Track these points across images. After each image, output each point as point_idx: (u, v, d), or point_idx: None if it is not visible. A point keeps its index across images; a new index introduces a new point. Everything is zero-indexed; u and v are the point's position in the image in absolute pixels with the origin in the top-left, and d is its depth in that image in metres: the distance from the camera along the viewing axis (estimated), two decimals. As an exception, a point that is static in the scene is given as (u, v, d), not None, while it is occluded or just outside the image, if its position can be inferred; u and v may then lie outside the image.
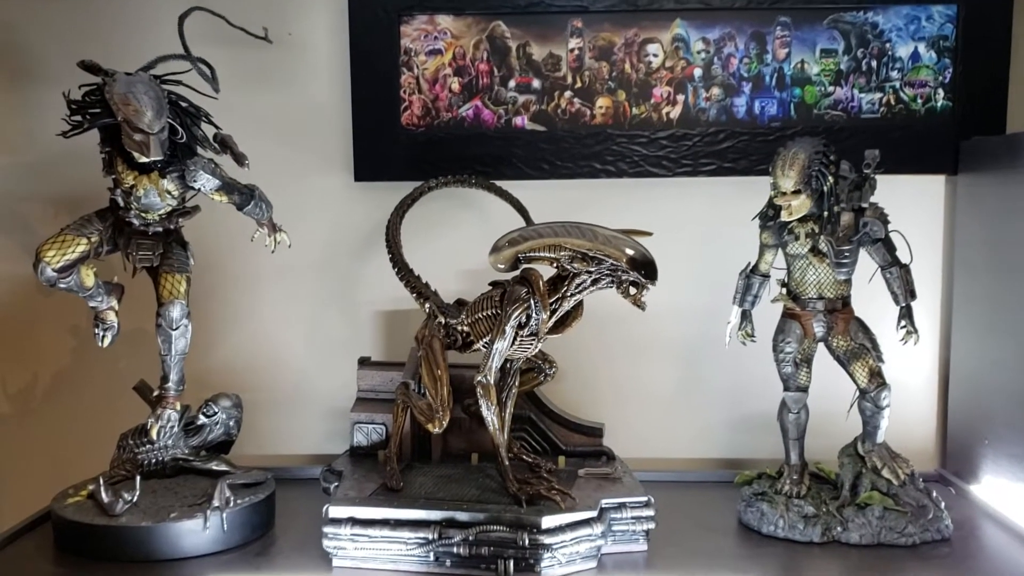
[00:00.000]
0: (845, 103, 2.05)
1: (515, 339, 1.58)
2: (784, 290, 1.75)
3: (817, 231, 1.67)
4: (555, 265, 1.57)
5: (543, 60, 2.06)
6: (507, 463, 1.62)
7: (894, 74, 2.05)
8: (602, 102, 2.07)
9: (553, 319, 1.58)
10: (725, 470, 2.07)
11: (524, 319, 1.57)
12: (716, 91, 2.06)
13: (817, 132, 1.98)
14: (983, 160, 1.92)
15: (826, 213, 1.64)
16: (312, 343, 2.17)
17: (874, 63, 2.04)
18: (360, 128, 2.07)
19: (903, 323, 1.68)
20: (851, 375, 1.71)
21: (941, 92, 2.01)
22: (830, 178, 1.62)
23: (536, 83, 2.07)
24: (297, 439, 2.17)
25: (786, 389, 1.77)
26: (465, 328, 1.67)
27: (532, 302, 1.56)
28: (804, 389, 1.75)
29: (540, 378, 1.78)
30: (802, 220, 1.68)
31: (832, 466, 1.80)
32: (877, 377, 1.69)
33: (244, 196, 1.68)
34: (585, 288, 1.55)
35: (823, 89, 2.05)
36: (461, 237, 2.08)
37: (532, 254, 1.56)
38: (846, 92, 2.05)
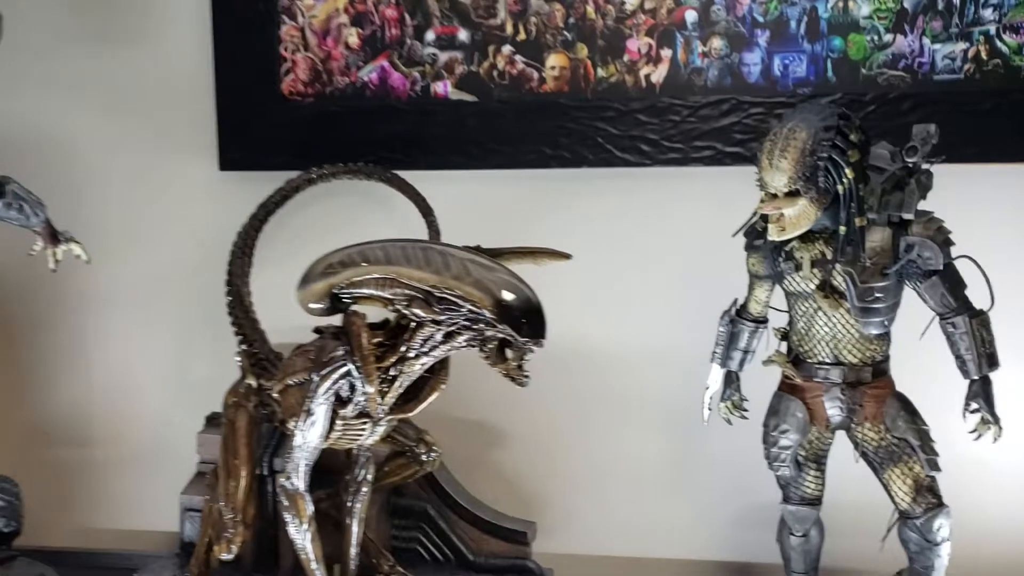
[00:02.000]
0: (910, 59, 1.40)
1: (333, 423, 1.00)
2: (781, 347, 1.11)
3: (830, 257, 1.02)
4: (391, 308, 0.98)
5: (473, 1, 1.47)
6: None
7: (987, 13, 1.37)
8: (555, 60, 1.47)
9: (393, 391, 0.99)
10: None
11: (342, 393, 0.98)
12: (718, 43, 1.43)
13: (860, 101, 1.32)
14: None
15: (843, 228, 1.00)
16: (176, 384, 1.65)
17: (956, -1, 1.37)
18: (226, 100, 1.54)
19: (974, 406, 1.03)
20: (885, 487, 1.07)
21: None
22: (847, 171, 0.97)
23: (463, 35, 1.48)
24: (155, 508, 1.63)
25: (785, 500, 1.13)
26: (276, 396, 1.10)
27: (351, 367, 0.97)
28: (814, 502, 1.12)
29: (413, 468, 1.19)
30: (805, 239, 1.04)
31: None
32: (927, 495, 1.05)
33: (-14, 193, 1.15)
34: (436, 346, 0.96)
35: (876, 39, 1.40)
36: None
37: (355, 291, 0.97)
38: (912, 42, 1.39)
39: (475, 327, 0.95)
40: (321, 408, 1.01)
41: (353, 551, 1.15)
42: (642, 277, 1.50)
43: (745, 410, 1.20)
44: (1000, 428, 1.04)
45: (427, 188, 1.46)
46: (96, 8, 1.56)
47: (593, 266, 1.50)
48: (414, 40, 1.51)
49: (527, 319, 0.93)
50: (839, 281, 1.05)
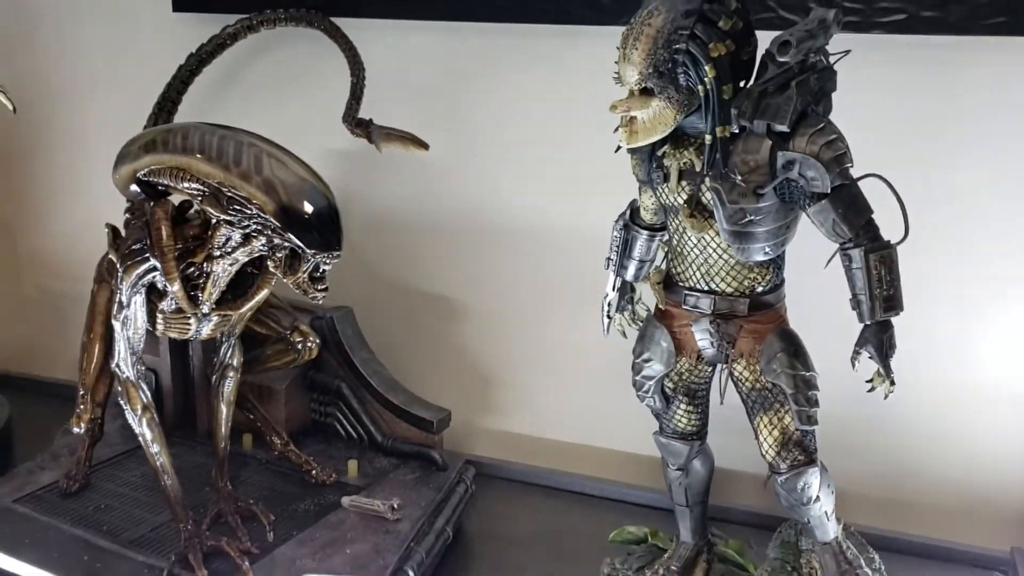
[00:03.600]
0: None
1: (153, 316, 0.96)
2: (663, 264, 0.96)
3: (699, 168, 0.86)
4: (195, 202, 0.90)
5: None
6: (175, 495, 1.04)
7: None
8: None
9: (209, 289, 0.93)
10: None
11: (156, 284, 0.93)
12: None
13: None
14: None
15: (707, 137, 0.82)
16: None
17: None
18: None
19: (864, 354, 0.86)
20: (755, 434, 0.93)
21: None
22: (708, 68, 0.79)
23: None
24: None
25: (660, 431, 1.01)
26: None
27: (154, 261, 0.91)
28: (690, 436, 0.99)
29: (291, 355, 1.15)
30: (678, 144, 0.87)
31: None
32: (793, 450, 0.90)
33: None
34: (236, 247, 0.89)
35: None
36: (324, 101, 1.38)
37: (158, 179, 0.90)
38: None
39: (265, 232, 0.86)
40: (134, 300, 0.97)
41: (222, 431, 1.13)
42: (606, 150, 1.34)
43: (644, 322, 1.06)
44: (892, 384, 0.87)
45: (374, 37, 1.35)
46: None
47: (549, 135, 1.35)
48: None
49: (318, 228, 0.83)
50: (708, 199, 0.87)
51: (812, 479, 0.91)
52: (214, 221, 0.90)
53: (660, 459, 1.04)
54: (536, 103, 1.34)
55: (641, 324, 1.04)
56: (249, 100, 1.49)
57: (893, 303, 0.85)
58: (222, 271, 0.94)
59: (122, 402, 1.04)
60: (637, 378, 0.98)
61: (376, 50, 1.35)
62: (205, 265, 0.94)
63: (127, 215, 1.18)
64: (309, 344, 1.15)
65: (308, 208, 0.84)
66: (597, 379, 1.36)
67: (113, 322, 1.00)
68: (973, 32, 1.13)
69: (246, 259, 0.93)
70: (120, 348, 1.00)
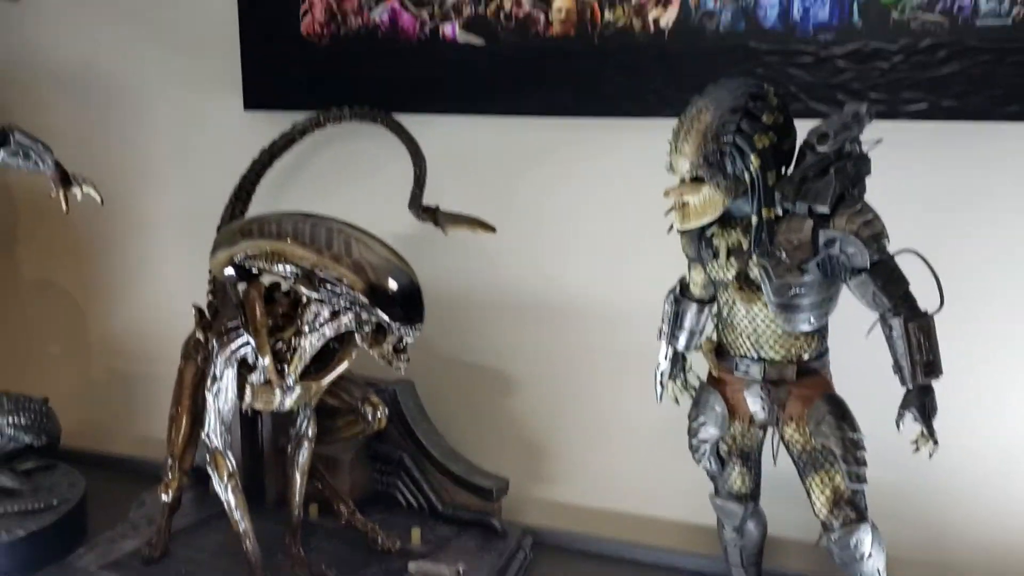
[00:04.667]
0: (948, 1, 1.21)
1: (242, 389, 1.04)
2: (713, 334, 1.04)
3: (746, 247, 0.94)
4: (288, 283, 1.00)
5: (480, -60, 1.41)
6: (256, 559, 1.11)
7: (1042, -53, 1.17)
8: (561, 3, 1.40)
9: (295, 362, 1.02)
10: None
11: (248, 359, 1.02)
12: (732, -17, 1.31)
13: (886, 51, 1.18)
14: None
15: (754, 219, 0.91)
16: None
17: (1004, -72, 1.18)
18: (249, 42, 1.57)
19: (908, 416, 0.93)
20: (807, 494, 0.99)
21: None
22: (753, 158, 0.88)
23: (471, -27, 1.43)
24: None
25: (715, 493, 1.08)
26: None
27: (246, 337, 1.00)
28: (744, 497, 1.06)
29: (360, 426, 1.22)
30: (725, 225, 0.96)
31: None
32: (845, 508, 0.96)
33: (-8, 140, 1.26)
34: (325, 323, 0.98)
35: (911, -23, 1.23)
36: (389, 190, 1.48)
37: (253, 263, 0.99)
38: (952, -19, 1.21)
39: (353, 308, 0.95)
40: (226, 373, 1.05)
41: (296, 500, 1.20)
42: (650, 232, 1.43)
43: (696, 390, 1.13)
44: (936, 444, 0.93)
45: (434, 132, 1.45)
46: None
47: (600, 219, 1.44)
48: (423, -20, 1.47)
49: (401, 304, 0.92)
50: (756, 274, 0.96)
51: (864, 535, 0.97)
52: (304, 300, 0.99)
53: (711, 525, 1.10)
54: (583, 188, 1.43)
55: (693, 391, 1.11)
56: (316, 190, 1.60)
57: (933, 368, 0.92)
58: (309, 346, 1.02)
59: (210, 470, 1.11)
60: (693, 441, 1.05)
61: (433, 143, 1.46)
62: (293, 340, 1.02)
63: (210, 297, 1.27)
64: (379, 415, 1.23)
65: (393, 286, 0.93)
66: (647, 448, 1.43)
67: (206, 394, 1.08)
68: (991, 118, 1.23)
69: (333, 334, 1.02)
70: (211, 418, 1.08)
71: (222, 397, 1.07)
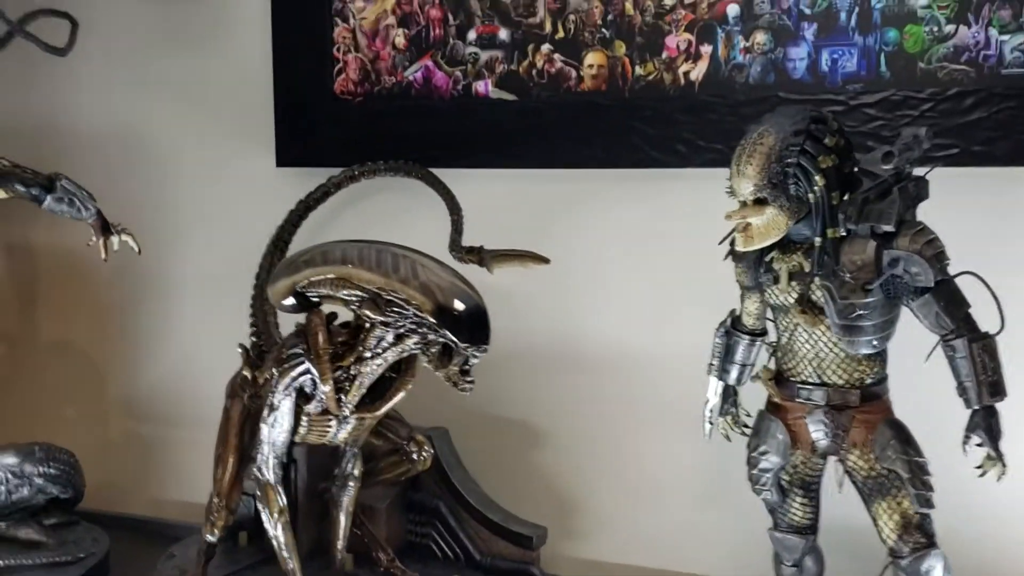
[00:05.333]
0: (974, 51, 1.27)
1: (300, 419, 1.03)
2: (771, 363, 1.04)
3: (808, 269, 0.95)
4: (350, 308, 0.99)
5: (513, 1, 1.46)
6: None
7: (1061, 0, 1.23)
8: (593, 58, 1.44)
9: (354, 391, 1.01)
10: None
11: (306, 389, 1.01)
12: (761, 38, 1.36)
13: (916, 98, 1.21)
14: None
15: (818, 240, 0.92)
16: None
17: (1025, -17, 1.24)
18: (283, 100, 1.60)
19: (975, 440, 0.93)
20: (874, 521, 0.98)
21: None
22: (818, 179, 0.90)
23: (504, 34, 1.48)
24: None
25: (774, 526, 1.06)
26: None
27: (309, 365, 0.99)
28: (803, 530, 1.04)
29: (405, 466, 1.20)
30: (785, 250, 0.97)
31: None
32: (915, 534, 0.95)
33: (39, 188, 1.26)
34: (388, 348, 0.97)
35: (936, 30, 1.28)
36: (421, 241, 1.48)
37: (315, 290, 0.99)
38: (976, 33, 1.27)
39: (420, 330, 0.95)
40: (284, 403, 1.04)
41: (340, 543, 1.18)
42: (680, 281, 1.44)
43: (746, 426, 1.13)
44: (1004, 465, 0.93)
45: (467, 186, 1.46)
46: (172, 13, 1.67)
47: (630, 269, 1.46)
48: (456, 40, 1.51)
49: (469, 325, 0.92)
50: (818, 296, 0.97)
51: (936, 562, 0.96)
52: (368, 325, 0.99)
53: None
54: (613, 238, 1.45)
55: (744, 428, 1.11)
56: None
57: (997, 389, 0.92)
58: (370, 372, 1.02)
59: (260, 506, 1.09)
60: (754, 472, 1.04)
61: (465, 197, 1.47)
62: (352, 368, 1.02)
63: (253, 338, 1.27)
64: (424, 455, 1.21)
65: (461, 307, 0.93)
66: (676, 501, 1.41)
67: (261, 425, 1.07)
68: (1017, 164, 1.27)
69: (395, 358, 1.01)
70: (264, 450, 1.06)
71: (278, 428, 1.06)
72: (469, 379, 0.96)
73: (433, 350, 0.97)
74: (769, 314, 1.07)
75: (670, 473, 1.41)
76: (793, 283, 0.98)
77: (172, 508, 1.76)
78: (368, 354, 1.00)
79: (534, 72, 1.48)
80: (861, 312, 0.94)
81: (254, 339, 1.27)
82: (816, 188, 0.91)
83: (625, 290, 1.45)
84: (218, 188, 1.69)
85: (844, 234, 0.94)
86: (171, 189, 1.71)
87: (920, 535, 0.96)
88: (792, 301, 0.98)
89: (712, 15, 1.38)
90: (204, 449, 1.72)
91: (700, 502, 1.43)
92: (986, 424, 0.93)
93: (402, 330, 0.97)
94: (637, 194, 1.44)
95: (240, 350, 1.20)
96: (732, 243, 1.03)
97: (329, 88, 1.58)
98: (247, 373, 1.15)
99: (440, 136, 1.53)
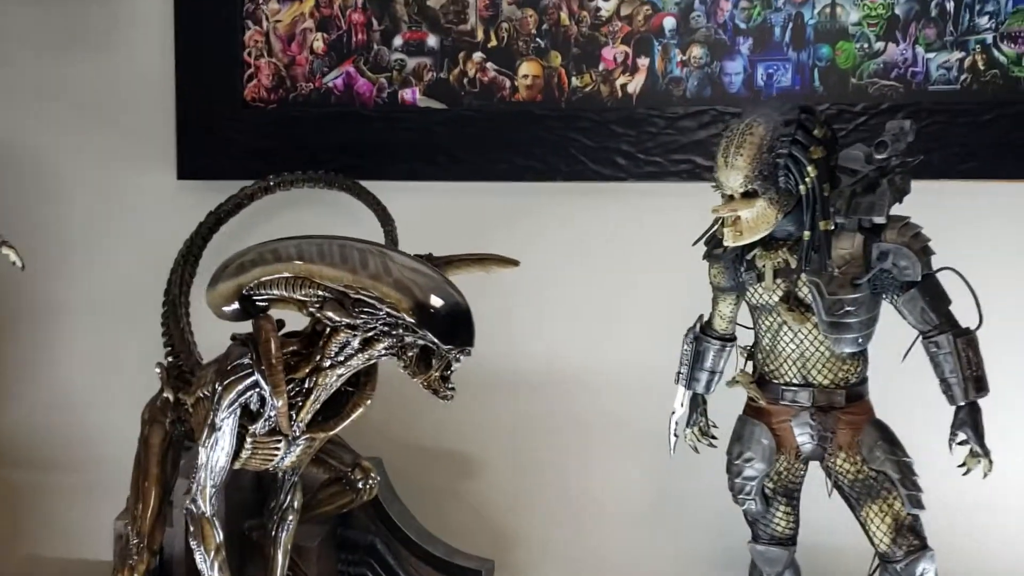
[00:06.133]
0: (903, 68, 1.30)
1: (243, 441, 0.91)
2: (747, 366, 1.00)
3: (794, 266, 0.92)
4: (306, 312, 0.89)
5: (442, 7, 1.40)
6: None
7: (982, 21, 1.28)
8: (528, 68, 1.39)
9: (308, 407, 0.90)
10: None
11: (252, 406, 0.89)
12: (698, 51, 1.35)
13: (850, 111, 1.23)
14: None
15: (807, 233, 0.90)
16: (135, 403, 1.53)
17: (949, 4, 1.28)
18: (186, 107, 1.47)
19: (961, 436, 0.91)
20: (863, 526, 0.95)
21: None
22: (809, 169, 0.87)
23: (432, 40, 1.41)
24: (104, 542, 1.54)
25: (754, 538, 1.02)
26: (191, 411, 1.01)
27: (259, 377, 0.88)
28: (785, 542, 1.00)
29: (348, 496, 1.09)
30: (768, 247, 0.94)
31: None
32: (908, 536, 0.93)
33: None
34: (353, 355, 0.87)
35: (867, 47, 1.30)
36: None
37: (266, 292, 0.88)
38: (904, 50, 1.30)
39: (394, 332, 0.86)
40: (226, 422, 0.92)
41: (276, 588, 1.05)
42: (617, 296, 1.41)
43: (714, 437, 1.09)
44: (990, 461, 0.93)
45: (393, 198, 1.38)
46: (59, 14, 1.52)
47: (566, 284, 1.41)
48: (381, 45, 1.44)
49: (452, 324, 0.84)
50: (805, 293, 0.94)
51: (929, 564, 0.94)
52: (328, 330, 0.89)
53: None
54: (551, 253, 1.40)
55: (710, 440, 1.07)
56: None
57: (981, 384, 0.92)
58: (329, 385, 0.91)
59: (194, 543, 0.95)
60: (737, 480, 1.00)
61: (393, 211, 1.39)
62: (307, 381, 0.91)
63: (169, 358, 1.13)
64: (371, 483, 1.11)
65: (443, 305, 0.85)
66: (619, 524, 1.36)
67: (199, 449, 0.94)
68: (949, 177, 1.30)
69: (361, 366, 0.91)
70: (201, 477, 0.93)
71: (218, 451, 0.93)
72: (451, 386, 0.88)
73: (410, 354, 0.87)
74: (741, 318, 1.04)
75: (614, 495, 1.35)
76: (779, 280, 0.95)
77: (50, 568, 1.56)
78: (327, 363, 0.90)
79: (465, 80, 1.42)
80: (848, 308, 0.92)
81: (171, 359, 1.13)
82: (808, 179, 0.89)
83: (564, 306, 1.40)
84: (110, 204, 1.53)
85: (833, 227, 0.92)
86: (55, 205, 1.54)
87: (913, 537, 0.94)
88: (777, 299, 0.95)
89: (648, 28, 1.37)
90: (87, 495, 1.55)
91: (646, 522, 1.38)
92: (972, 420, 0.93)
93: (371, 334, 0.87)
94: (575, 207, 1.40)
95: (158, 369, 1.06)
96: (709, 243, 1.00)
97: (239, 94, 1.47)
98: (168, 395, 1.02)
99: (363, 146, 1.45)
